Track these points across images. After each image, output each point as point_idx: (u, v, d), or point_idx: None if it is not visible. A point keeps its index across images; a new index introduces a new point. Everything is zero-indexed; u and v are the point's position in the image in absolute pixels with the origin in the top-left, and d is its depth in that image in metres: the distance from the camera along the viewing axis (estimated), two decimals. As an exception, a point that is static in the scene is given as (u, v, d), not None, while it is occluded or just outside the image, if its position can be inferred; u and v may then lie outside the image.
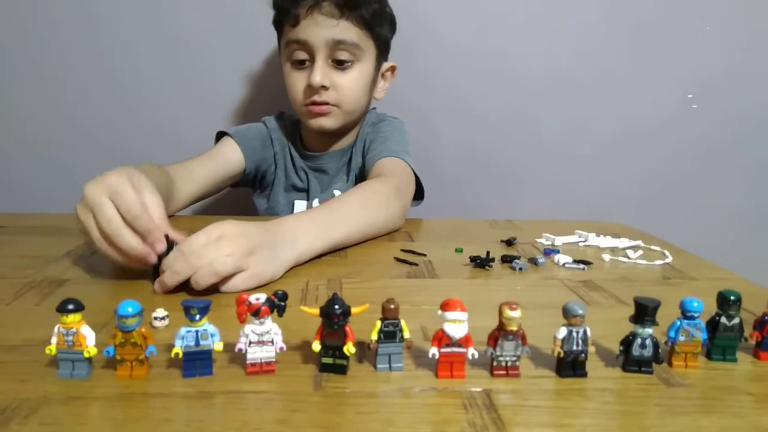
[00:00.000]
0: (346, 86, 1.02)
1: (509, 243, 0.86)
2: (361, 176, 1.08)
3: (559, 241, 0.87)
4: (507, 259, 0.77)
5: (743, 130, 1.34)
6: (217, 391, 0.42)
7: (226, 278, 0.62)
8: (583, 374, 0.46)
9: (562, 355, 0.46)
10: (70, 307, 0.42)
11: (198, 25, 1.25)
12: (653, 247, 0.86)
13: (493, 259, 0.76)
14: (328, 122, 1.05)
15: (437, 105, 1.30)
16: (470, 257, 0.76)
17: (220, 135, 1.11)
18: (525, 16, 1.27)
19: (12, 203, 1.26)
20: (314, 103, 1.02)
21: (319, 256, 0.76)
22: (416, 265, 0.75)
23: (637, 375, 0.47)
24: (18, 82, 1.26)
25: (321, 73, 0.99)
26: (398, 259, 0.77)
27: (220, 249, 0.62)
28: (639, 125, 1.33)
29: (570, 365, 0.46)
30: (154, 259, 0.62)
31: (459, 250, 0.82)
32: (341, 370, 0.45)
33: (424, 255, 0.80)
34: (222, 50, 1.27)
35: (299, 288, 0.65)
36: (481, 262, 0.75)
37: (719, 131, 1.34)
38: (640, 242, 0.87)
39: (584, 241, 0.88)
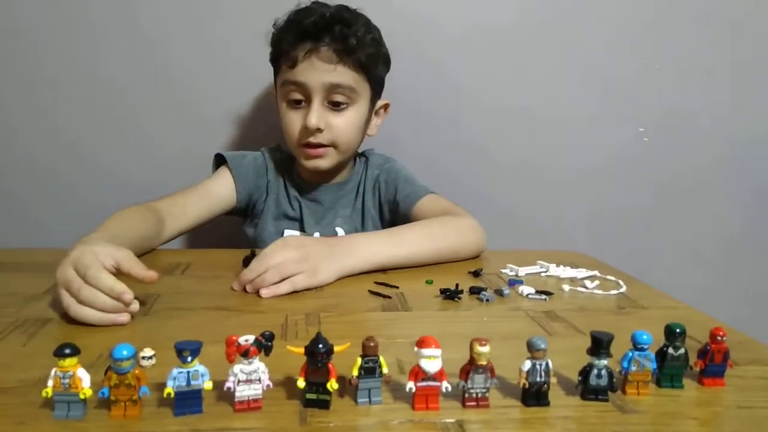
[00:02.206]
0: (340, 127, 1.07)
1: (476, 274, 0.91)
2: (380, 216, 1.18)
3: (523, 271, 0.93)
4: (475, 291, 0.81)
5: (689, 164, 1.44)
6: (208, 429, 0.45)
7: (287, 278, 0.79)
8: (546, 403, 0.51)
9: (527, 386, 0.50)
10: (67, 351, 0.45)
11: (197, 55, 1.29)
12: (609, 277, 0.91)
13: (461, 291, 0.80)
14: (323, 163, 1.10)
15: (402, 135, 1.35)
16: (440, 290, 0.81)
17: (218, 156, 1.15)
18: (488, 52, 1.34)
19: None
20: (309, 145, 1.07)
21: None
22: (389, 297, 0.79)
23: (594, 403, 0.51)
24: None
25: (317, 116, 1.03)
26: (372, 292, 0.81)
27: (284, 254, 0.80)
28: (594, 158, 1.41)
29: (534, 395, 0.50)
30: (126, 318, 0.67)
31: (429, 282, 0.86)
32: (324, 405, 0.48)
33: (397, 287, 0.83)
34: (222, 81, 1.31)
35: (279, 323, 0.68)
36: (450, 294, 0.79)
37: (669, 165, 1.43)
38: (596, 272, 0.93)
39: (545, 272, 0.93)
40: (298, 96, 1.05)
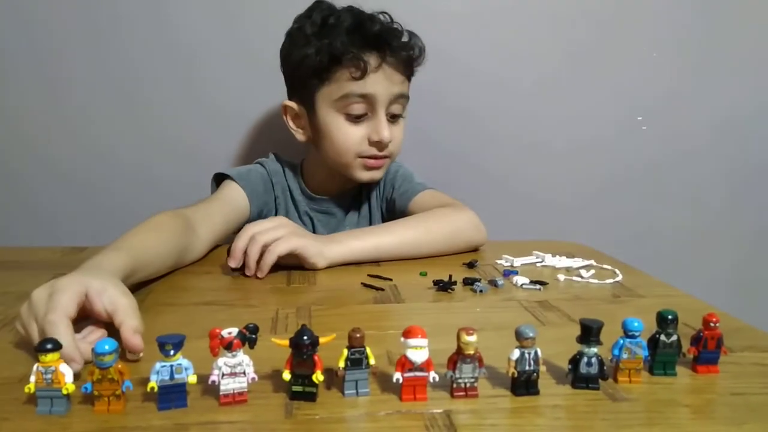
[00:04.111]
0: (398, 137, 1.05)
1: (471, 265, 0.90)
2: (381, 218, 1.16)
3: (518, 262, 0.92)
4: (468, 282, 0.80)
5: (687, 148, 1.43)
6: (193, 423, 0.45)
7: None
8: (536, 392, 0.50)
9: (516, 375, 0.49)
10: (49, 346, 0.44)
11: (219, 53, 1.27)
12: (605, 266, 0.91)
13: (455, 283, 0.79)
14: (379, 174, 1.07)
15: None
16: (433, 281, 0.80)
17: (218, 177, 1.06)
18: (482, 35, 1.32)
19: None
20: (374, 157, 1.03)
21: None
22: (382, 290, 0.79)
23: (585, 391, 0.51)
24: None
25: (387, 129, 1.00)
26: (365, 285, 0.81)
27: (260, 226, 0.85)
28: (588, 144, 1.40)
29: (523, 384, 0.50)
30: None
31: (423, 274, 0.86)
32: (311, 397, 0.48)
33: (390, 279, 0.83)
34: (244, 79, 1.28)
35: (269, 317, 0.67)
36: (443, 286, 0.78)
37: (665, 149, 1.42)
38: (592, 261, 0.92)
39: (541, 262, 0.93)
40: (362, 109, 0.99)
